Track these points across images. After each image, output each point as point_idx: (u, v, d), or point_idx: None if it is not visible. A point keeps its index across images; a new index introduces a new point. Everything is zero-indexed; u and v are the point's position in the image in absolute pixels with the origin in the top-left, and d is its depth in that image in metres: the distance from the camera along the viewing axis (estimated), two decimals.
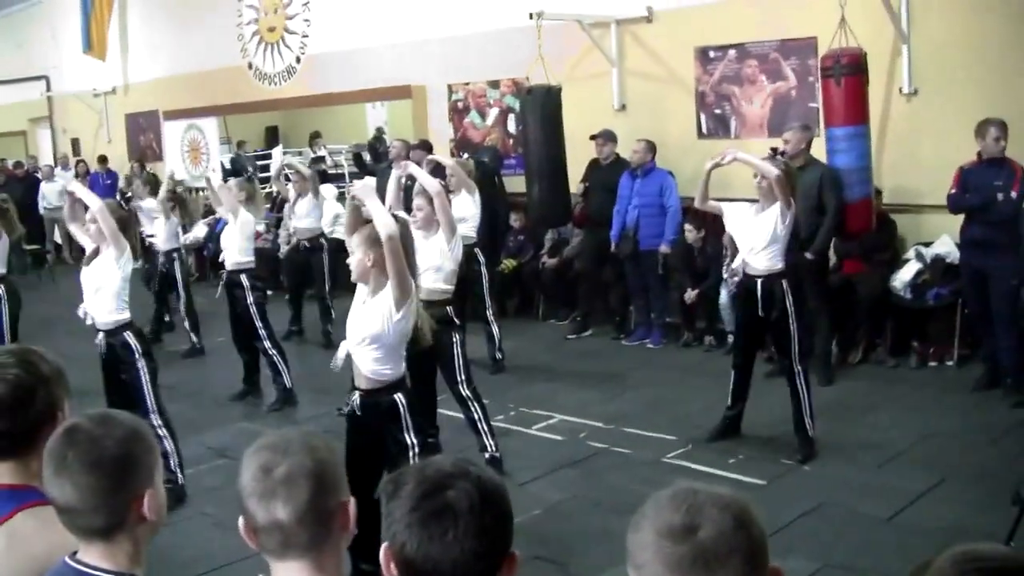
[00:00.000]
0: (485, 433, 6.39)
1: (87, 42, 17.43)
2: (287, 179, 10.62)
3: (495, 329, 8.81)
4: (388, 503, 1.66)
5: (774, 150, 6.60)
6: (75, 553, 1.98)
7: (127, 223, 6.30)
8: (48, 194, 16.84)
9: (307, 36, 13.94)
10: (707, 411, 7.05)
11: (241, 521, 1.84)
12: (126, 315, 6.13)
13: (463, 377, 6.37)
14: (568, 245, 10.63)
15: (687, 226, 9.16)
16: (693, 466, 6.29)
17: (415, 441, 4.59)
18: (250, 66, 14.85)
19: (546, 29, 9.93)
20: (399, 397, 4.61)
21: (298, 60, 14.16)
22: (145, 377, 6.09)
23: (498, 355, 8.85)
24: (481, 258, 8.73)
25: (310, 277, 10.37)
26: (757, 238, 6.38)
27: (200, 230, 12.28)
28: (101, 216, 5.86)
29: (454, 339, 6.37)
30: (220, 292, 8.47)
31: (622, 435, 7.01)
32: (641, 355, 9.29)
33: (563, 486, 6.17)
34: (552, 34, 10.08)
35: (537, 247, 10.87)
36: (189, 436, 6.86)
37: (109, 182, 16.41)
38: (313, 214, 10.14)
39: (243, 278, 8.19)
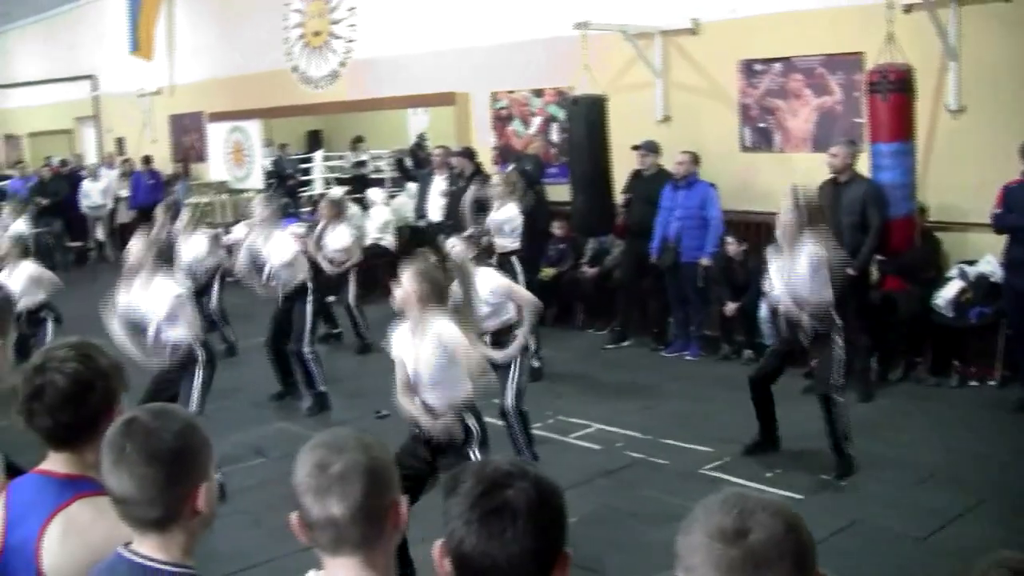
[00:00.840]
0: (522, 448, 6.38)
1: (134, 42, 17.66)
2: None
3: (532, 338, 8.80)
4: (446, 500, 1.69)
5: None
6: (129, 544, 2.02)
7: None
8: (91, 192, 17.05)
9: (352, 41, 14.03)
10: (744, 424, 6.99)
11: (294, 516, 1.87)
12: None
13: (514, 394, 6.39)
14: (609, 255, 10.63)
15: (728, 239, 9.15)
16: (730, 478, 6.26)
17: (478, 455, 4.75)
18: (294, 70, 14.97)
19: (590, 39, 9.96)
20: (472, 422, 4.82)
21: (342, 65, 14.26)
22: (199, 381, 6.42)
23: (536, 363, 8.82)
24: (518, 267, 8.73)
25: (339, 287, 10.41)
26: (798, 270, 6.30)
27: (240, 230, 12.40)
28: None
29: (517, 361, 6.38)
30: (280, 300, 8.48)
31: (659, 446, 7.00)
32: (679, 367, 9.27)
33: (598, 495, 6.17)
34: (596, 44, 10.12)
35: (578, 256, 10.88)
36: (226, 435, 6.91)
37: (153, 182, 16.59)
38: (342, 241, 10.04)
39: (308, 284, 8.39)
